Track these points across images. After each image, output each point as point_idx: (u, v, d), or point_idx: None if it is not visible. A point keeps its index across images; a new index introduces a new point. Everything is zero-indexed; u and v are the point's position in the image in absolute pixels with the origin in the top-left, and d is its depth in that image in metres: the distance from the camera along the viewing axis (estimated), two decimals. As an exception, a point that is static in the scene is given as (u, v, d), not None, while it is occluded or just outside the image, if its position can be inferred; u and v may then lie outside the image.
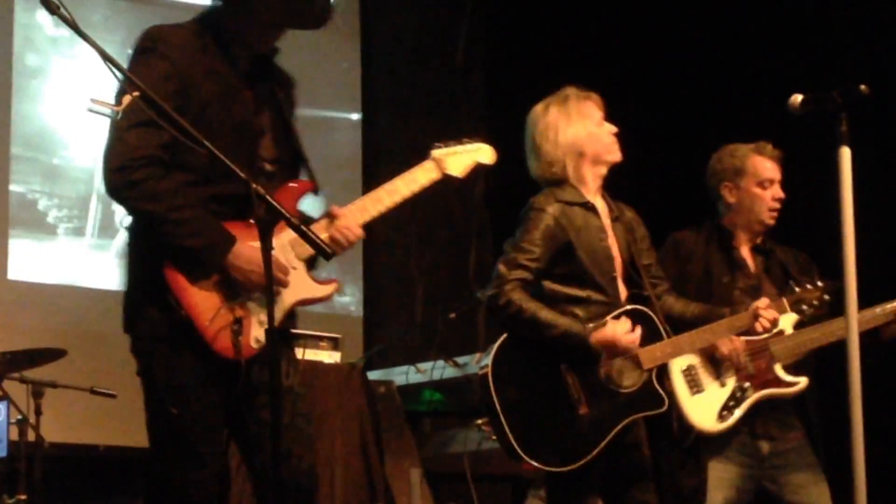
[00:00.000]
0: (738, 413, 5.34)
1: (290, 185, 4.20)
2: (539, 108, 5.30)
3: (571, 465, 4.81)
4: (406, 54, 9.39)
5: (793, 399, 5.46)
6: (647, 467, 4.98)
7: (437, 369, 6.60)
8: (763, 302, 5.15)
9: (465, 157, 4.58)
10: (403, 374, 6.72)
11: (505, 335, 4.92)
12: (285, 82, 4.40)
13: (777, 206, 5.60)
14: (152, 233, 4.01)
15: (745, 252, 5.62)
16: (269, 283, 3.75)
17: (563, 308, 4.91)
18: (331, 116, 9.13)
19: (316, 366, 6.09)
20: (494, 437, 6.06)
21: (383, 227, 9.06)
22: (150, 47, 4.06)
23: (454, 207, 9.30)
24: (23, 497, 6.06)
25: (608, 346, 4.85)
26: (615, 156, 5.15)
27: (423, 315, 8.59)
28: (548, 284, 4.98)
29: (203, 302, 3.97)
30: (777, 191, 5.61)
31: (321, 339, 6.29)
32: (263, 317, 3.94)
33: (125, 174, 3.95)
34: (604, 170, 5.14)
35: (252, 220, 3.85)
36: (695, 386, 5.31)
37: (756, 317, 5.13)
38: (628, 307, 4.96)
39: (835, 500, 5.46)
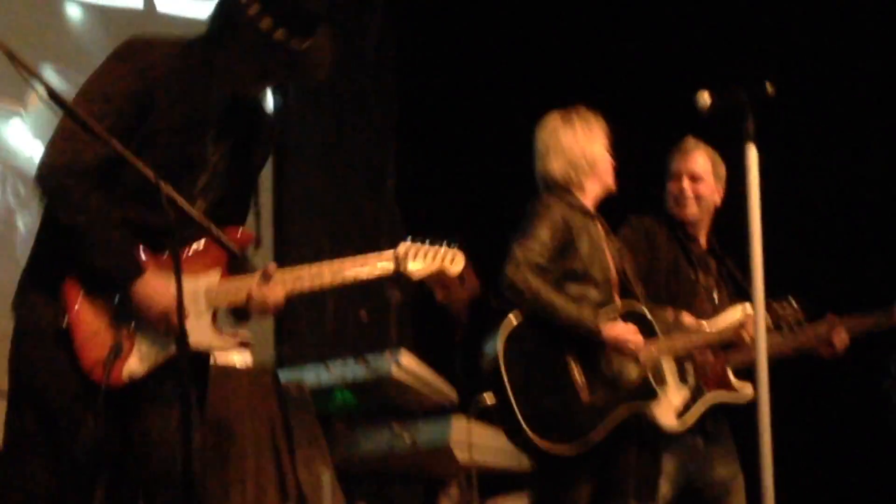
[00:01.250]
0: (694, 414, 5.44)
1: (229, 231, 4.07)
2: (558, 116, 5.48)
3: (571, 444, 5.02)
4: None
5: None
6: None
7: (349, 369, 6.59)
8: (749, 319, 5.31)
9: (432, 264, 4.36)
10: (315, 374, 6.70)
11: (513, 318, 5.13)
12: (266, 127, 4.30)
13: (681, 198, 5.67)
14: (67, 238, 3.94)
15: (703, 251, 5.73)
16: (179, 283, 3.70)
17: None
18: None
19: (225, 368, 6.04)
20: (407, 438, 6.12)
21: (295, 224, 9.03)
22: (126, 56, 3.99)
23: (365, 203, 9.28)
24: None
25: (616, 343, 5.06)
26: (612, 183, 5.35)
27: (334, 314, 8.56)
28: (552, 281, 5.17)
29: (90, 318, 3.90)
30: (684, 183, 5.70)
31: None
32: (146, 353, 3.94)
33: (53, 179, 3.89)
34: (600, 191, 5.37)
35: (188, 254, 3.95)
36: (657, 378, 5.37)
37: (742, 328, 5.29)
38: (625, 307, 5.21)
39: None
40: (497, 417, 5.18)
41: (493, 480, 6.58)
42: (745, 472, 5.57)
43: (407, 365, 6.43)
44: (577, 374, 5.07)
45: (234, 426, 5.95)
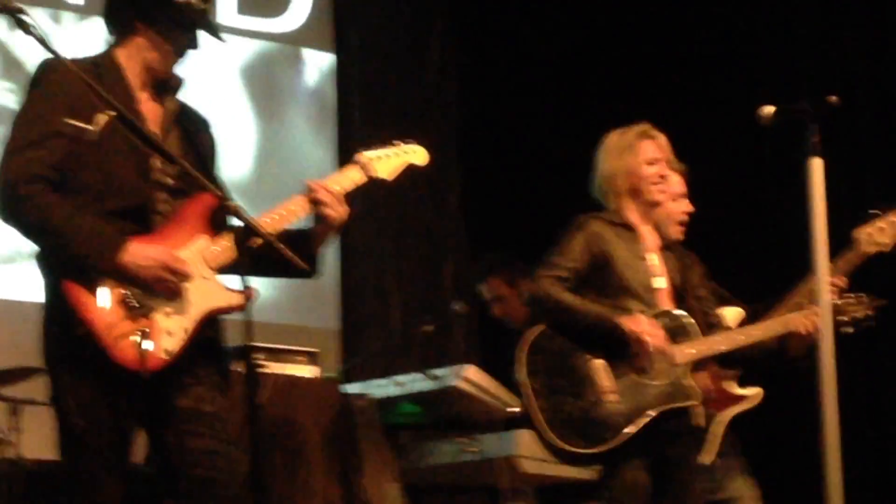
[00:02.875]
0: (717, 439, 5.40)
1: (198, 197, 4.11)
2: (610, 134, 5.47)
3: (598, 448, 5.01)
4: (378, 66, 9.40)
5: None
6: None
7: (415, 382, 6.61)
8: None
9: (396, 159, 4.50)
10: (381, 388, 6.72)
11: (536, 329, 5.15)
12: (199, 122, 4.36)
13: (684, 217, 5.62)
14: (46, 249, 4.02)
15: None
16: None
17: None
18: (305, 130, 9.13)
19: (294, 380, 6.09)
20: (473, 450, 6.15)
21: (359, 239, 9.08)
22: (42, 77, 4.09)
23: (430, 218, 9.31)
24: (3, 516, 6.06)
25: (635, 336, 5.00)
26: (653, 196, 5.25)
27: (401, 328, 8.59)
28: (590, 296, 5.15)
29: (104, 316, 3.92)
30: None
31: (298, 353, 6.29)
32: (172, 327, 3.97)
33: (12, 191, 3.97)
34: (643, 206, 5.30)
35: (164, 229, 4.00)
36: None
37: (806, 318, 5.22)
38: (661, 309, 5.15)
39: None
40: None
41: (558, 491, 6.58)
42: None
43: (472, 377, 6.45)
44: (606, 376, 5.06)
45: (300, 436, 5.99)
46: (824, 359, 4.24)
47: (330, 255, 8.85)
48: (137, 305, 3.95)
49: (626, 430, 5.03)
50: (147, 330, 3.93)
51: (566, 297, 5.06)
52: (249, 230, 3.87)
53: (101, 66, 4.14)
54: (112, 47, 4.21)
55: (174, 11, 4.16)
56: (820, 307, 4.32)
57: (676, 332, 5.12)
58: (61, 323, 3.96)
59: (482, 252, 8.38)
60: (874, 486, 7.38)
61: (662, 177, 5.29)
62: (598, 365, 5.08)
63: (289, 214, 4.21)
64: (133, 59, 4.19)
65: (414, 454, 6.69)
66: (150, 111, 4.18)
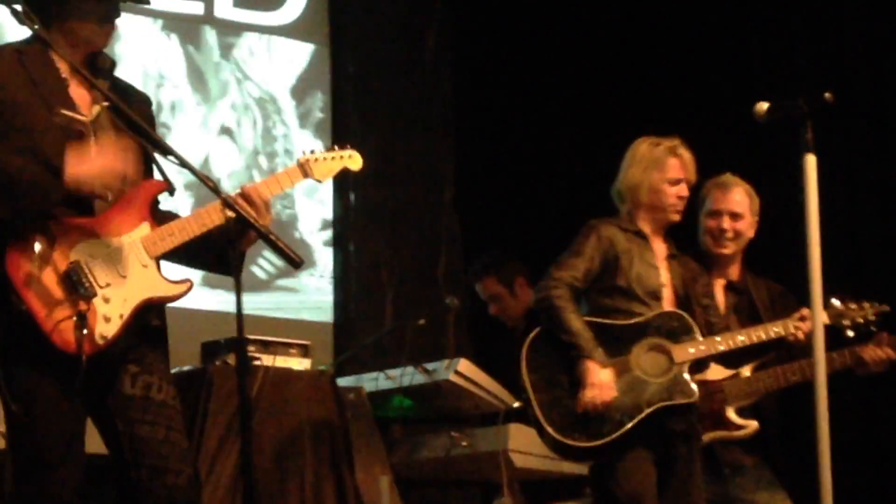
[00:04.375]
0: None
1: (144, 184, 4.16)
2: (638, 141, 5.55)
3: (596, 441, 5.12)
4: (373, 60, 9.39)
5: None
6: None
7: (407, 375, 6.60)
8: (807, 311, 5.23)
9: (333, 163, 4.54)
10: (373, 381, 6.72)
11: (539, 328, 5.29)
12: (138, 100, 4.35)
13: (721, 237, 5.72)
14: None
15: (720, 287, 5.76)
16: (239, 290, 3.76)
17: (610, 317, 5.26)
18: (299, 125, 9.13)
19: (286, 373, 6.08)
20: (465, 444, 6.16)
21: (354, 234, 9.08)
22: None
23: (424, 214, 9.30)
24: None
25: (585, 383, 5.12)
26: (671, 216, 5.30)
27: (393, 321, 8.59)
28: (595, 297, 5.33)
29: (44, 295, 3.93)
30: (724, 221, 5.73)
31: (291, 345, 6.28)
32: (109, 313, 3.98)
33: None
34: (657, 217, 5.41)
35: (105, 215, 4.02)
36: None
37: (795, 325, 5.30)
38: (666, 310, 5.27)
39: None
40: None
41: (548, 486, 6.59)
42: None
43: (464, 371, 6.45)
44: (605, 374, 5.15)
45: (292, 428, 5.99)
46: (817, 357, 4.25)
47: (324, 249, 8.89)
48: (79, 285, 3.95)
49: (625, 425, 5.07)
50: (84, 314, 3.94)
51: (567, 315, 5.18)
52: (243, 221, 3.87)
53: (26, 53, 4.12)
54: (37, 34, 4.14)
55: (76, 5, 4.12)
56: (811, 307, 4.32)
57: (678, 332, 5.22)
58: (2, 304, 3.94)
59: (475, 248, 8.40)
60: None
61: (681, 198, 5.39)
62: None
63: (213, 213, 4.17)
64: (62, 41, 4.14)
65: (406, 447, 6.70)
66: (81, 94, 4.16)
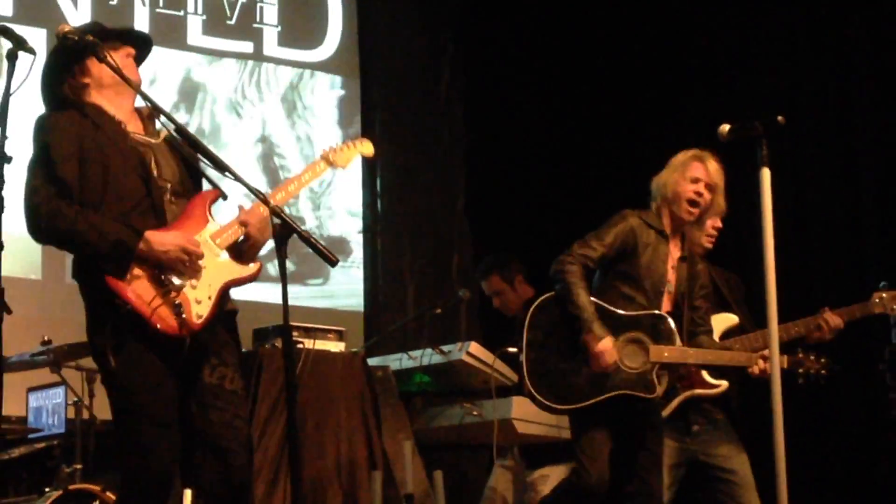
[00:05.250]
0: (668, 408, 5.37)
1: (204, 193, 4.21)
2: (681, 152, 5.37)
3: (563, 406, 5.02)
4: (398, 92, 9.41)
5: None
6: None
7: (426, 356, 6.61)
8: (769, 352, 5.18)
9: (350, 151, 4.56)
10: (398, 361, 6.72)
11: (552, 293, 5.11)
12: (178, 128, 4.31)
13: (714, 233, 5.55)
14: (77, 254, 4.05)
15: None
16: (285, 284, 3.77)
17: (612, 299, 5.10)
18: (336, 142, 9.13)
19: (324, 354, 6.09)
20: (475, 414, 6.13)
21: (381, 237, 9.09)
22: (43, 124, 4.10)
23: (440, 219, 9.31)
24: (78, 466, 6.06)
25: (592, 355, 4.96)
26: (684, 209, 5.20)
27: (414, 310, 8.59)
28: (609, 276, 5.17)
29: (142, 294, 3.95)
30: (716, 221, 5.56)
31: (328, 331, 6.28)
32: (200, 296, 4.02)
33: (40, 209, 3.98)
34: (678, 218, 5.23)
35: (176, 224, 4.05)
36: None
37: (757, 361, 5.20)
38: (656, 311, 5.11)
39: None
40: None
41: (546, 450, 6.57)
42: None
43: (475, 352, 6.45)
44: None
45: (329, 401, 5.99)
46: (774, 380, 4.23)
47: (356, 249, 8.88)
48: (168, 282, 3.98)
49: (587, 400, 4.99)
50: (180, 302, 3.98)
51: (577, 287, 5.02)
52: (287, 226, 3.88)
53: (84, 109, 4.13)
54: (81, 97, 4.17)
55: (96, 45, 4.10)
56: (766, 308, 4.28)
57: (660, 334, 5.07)
58: (105, 305, 3.97)
59: (484, 248, 8.40)
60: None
61: (699, 194, 5.20)
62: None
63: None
64: (106, 99, 4.17)
65: (425, 417, 6.69)
66: (136, 129, 4.20)
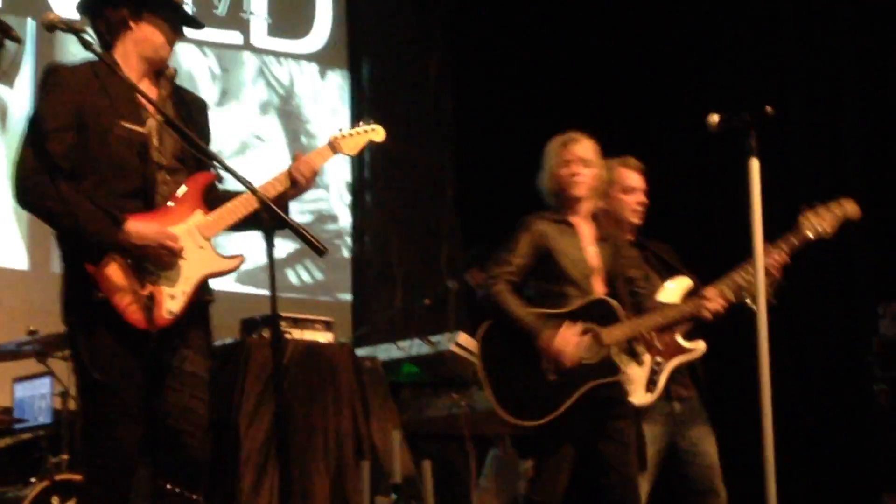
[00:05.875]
0: (661, 384, 5.34)
1: (196, 176, 4.13)
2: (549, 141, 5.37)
3: (540, 420, 4.92)
4: (386, 82, 9.40)
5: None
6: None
7: (415, 346, 6.60)
8: (710, 291, 5.16)
9: (359, 138, 4.51)
10: (386, 351, 6.72)
11: (489, 321, 5.06)
12: (196, 103, 4.33)
13: (638, 208, 5.52)
14: (56, 230, 4.01)
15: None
16: (272, 275, 3.75)
17: (547, 302, 5.04)
18: (323, 135, 9.12)
19: (312, 345, 6.08)
20: (463, 404, 6.11)
21: (369, 227, 9.08)
22: (46, 81, 4.07)
23: (429, 211, 9.31)
24: (65, 457, 6.05)
25: (547, 353, 4.92)
26: (574, 191, 5.17)
27: (403, 301, 8.58)
28: (538, 283, 5.10)
29: (116, 282, 3.92)
30: (639, 196, 5.53)
31: (316, 322, 6.27)
32: (174, 291, 3.99)
33: (23, 183, 3.97)
34: (577, 202, 5.18)
35: (166, 206, 4.01)
36: (617, 371, 5.29)
37: (702, 304, 5.15)
38: (594, 297, 5.06)
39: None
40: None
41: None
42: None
43: (463, 342, 6.45)
44: (546, 358, 4.96)
45: (318, 390, 5.98)
46: (760, 338, 4.23)
47: (344, 241, 8.88)
48: (145, 272, 3.95)
49: (563, 404, 4.92)
50: (153, 294, 3.95)
51: (510, 304, 4.98)
52: (275, 215, 3.85)
53: (98, 66, 4.08)
54: (106, 50, 4.14)
55: (159, 4, 4.13)
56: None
57: (606, 317, 5.03)
58: (80, 290, 3.95)
59: (472, 238, 8.39)
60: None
61: (574, 174, 5.17)
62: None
63: (277, 184, 4.18)
64: (132, 54, 4.13)
65: (414, 407, 6.69)
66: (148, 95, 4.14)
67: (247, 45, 8.78)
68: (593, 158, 5.23)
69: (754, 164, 4.31)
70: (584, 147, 5.25)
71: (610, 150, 8.48)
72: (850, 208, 5.45)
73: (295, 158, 4.26)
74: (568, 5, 9.11)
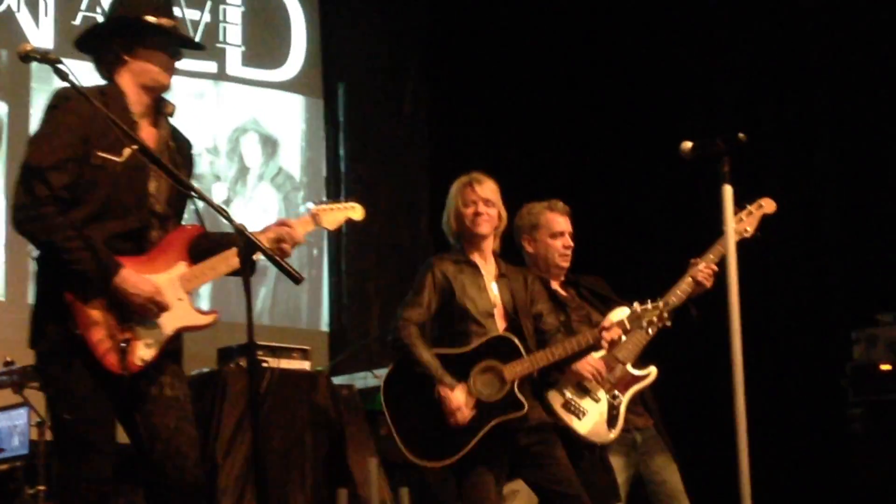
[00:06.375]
0: (621, 418, 5.36)
1: (183, 228, 4.16)
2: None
3: (447, 461, 4.98)
4: (361, 112, 9.43)
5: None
6: (569, 472, 5.05)
7: (391, 374, 6.59)
8: (607, 321, 5.18)
9: (339, 213, 4.55)
10: (363, 379, 6.71)
11: (392, 366, 5.14)
12: (183, 143, 4.33)
13: (567, 252, 5.54)
14: (53, 260, 3.98)
15: (558, 289, 5.58)
16: (249, 304, 3.75)
17: (450, 341, 5.12)
18: (299, 162, 9.15)
19: (289, 373, 6.08)
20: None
21: (344, 256, 9.08)
22: (57, 104, 4.05)
23: (404, 239, 9.32)
24: (41, 488, 6.02)
25: (446, 408, 4.97)
26: (476, 229, 5.22)
27: (379, 329, 8.58)
28: (441, 323, 5.17)
29: (96, 323, 3.93)
30: (566, 240, 5.56)
31: (294, 350, 6.28)
32: (150, 340, 4.00)
33: (28, 211, 3.95)
34: (477, 239, 5.23)
35: (151, 254, 4.02)
36: (578, 413, 5.32)
37: (599, 334, 5.18)
38: (494, 335, 5.11)
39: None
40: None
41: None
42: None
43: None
44: (454, 400, 4.99)
45: (295, 419, 5.98)
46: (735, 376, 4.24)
47: (322, 270, 8.88)
48: (124, 316, 3.96)
49: (469, 443, 4.96)
50: (129, 340, 3.95)
51: (418, 350, 5.04)
52: (252, 244, 3.85)
53: (107, 95, 4.09)
54: (113, 77, 4.15)
55: (150, 35, 4.12)
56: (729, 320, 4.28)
57: (508, 353, 5.07)
58: (57, 322, 3.94)
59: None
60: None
61: (477, 214, 5.21)
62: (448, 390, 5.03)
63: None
64: (132, 85, 4.14)
65: (390, 434, 6.67)
66: (149, 136, 4.14)
67: (221, 75, 8.79)
68: (495, 199, 5.29)
69: (728, 192, 4.33)
70: (487, 188, 5.31)
71: (584, 182, 8.58)
72: (767, 205, 5.48)
73: (279, 224, 4.27)
74: (542, 36, 9.16)
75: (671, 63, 8.69)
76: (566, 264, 5.57)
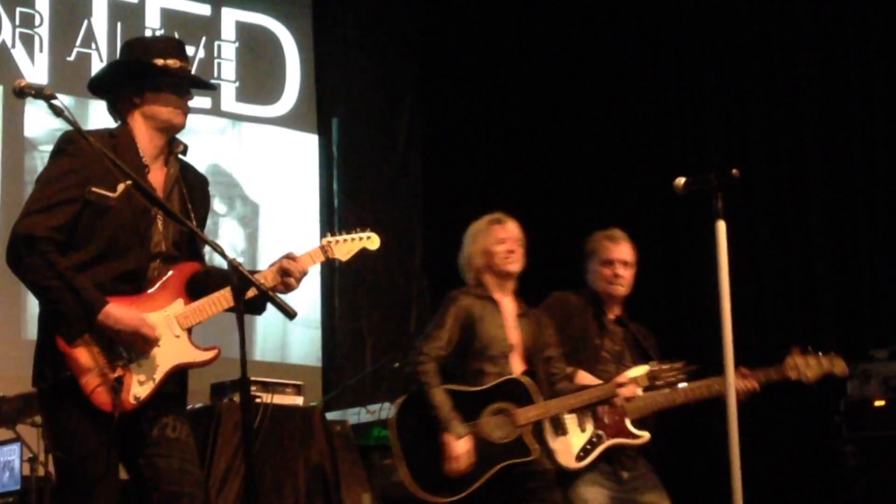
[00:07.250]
0: (592, 455, 5.37)
1: (182, 265, 4.12)
2: (472, 224, 5.52)
3: (452, 497, 5.00)
4: (355, 147, 9.45)
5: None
6: None
7: (385, 410, 6.59)
8: (623, 377, 5.21)
9: (353, 244, 4.47)
10: (356, 415, 6.70)
11: (406, 395, 5.17)
12: (198, 181, 4.33)
13: (615, 281, 5.55)
14: (39, 301, 4.00)
15: (611, 320, 5.60)
16: (243, 339, 3.75)
17: (465, 378, 5.15)
18: (292, 198, 9.15)
19: (282, 409, 6.06)
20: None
21: (339, 291, 9.08)
22: (62, 148, 4.05)
23: (398, 275, 9.32)
24: (33, 524, 6.01)
25: (447, 455, 4.99)
26: (504, 267, 5.30)
27: (373, 365, 8.58)
28: (459, 359, 5.20)
29: (85, 363, 3.91)
30: (616, 268, 5.56)
31: (287, 385, 6.27)
32: (142, 377, 3.97)
33: (15, 250, 3.95)
34: (499, 278, 5.30)
35: (148, 292, 4.00)
36: (559, 428, 5.32)
37: (615, 390, 5.20)
38: (510, 376, 5.14)
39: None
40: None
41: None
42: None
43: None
44: (461, 444, 5.03)
45: (288, 455, 5.96)
46: (729, 406, 4.24)
47: (315, 305, 8.87)
48: (117, 355, 3.95)
49: (475, 483, 5.00)
50: (122, 378, 3.93)
51: (432, 389, 5.06)
52: (247, 281, 3.85)
53: (117, 137, 4.10)
54: (126, 119, 4.16)
55: (158, 77, 4.13)
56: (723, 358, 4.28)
57: (521, 397, 5.11)
58: (52, 365, 3.94)
59: (441, 303, 8.40)
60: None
61: (511, 251, 5.30)
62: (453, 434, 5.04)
63: (262, 279, 4.10)
64: (145, 128, 4.14)
65: (384, 471, 6.65)
66: (157, 178, 4.15)
67: (215, 111, 8.80)
68: (523, 239, 5.37)
69: (721, 227, 4.33)
70: (516, 228, 5.40)
71: (579, 224, 8.59)
72: (838, 365, 5.54)
73: (287, 257, 4.22)
74: (536, 72, 9.19)
75: (664, 101, 8.72)
76: (616, 293, 5.58)
